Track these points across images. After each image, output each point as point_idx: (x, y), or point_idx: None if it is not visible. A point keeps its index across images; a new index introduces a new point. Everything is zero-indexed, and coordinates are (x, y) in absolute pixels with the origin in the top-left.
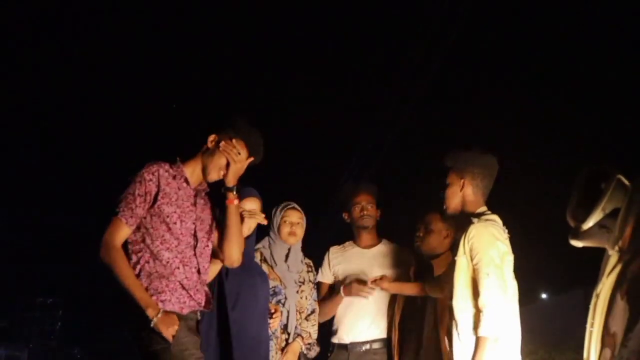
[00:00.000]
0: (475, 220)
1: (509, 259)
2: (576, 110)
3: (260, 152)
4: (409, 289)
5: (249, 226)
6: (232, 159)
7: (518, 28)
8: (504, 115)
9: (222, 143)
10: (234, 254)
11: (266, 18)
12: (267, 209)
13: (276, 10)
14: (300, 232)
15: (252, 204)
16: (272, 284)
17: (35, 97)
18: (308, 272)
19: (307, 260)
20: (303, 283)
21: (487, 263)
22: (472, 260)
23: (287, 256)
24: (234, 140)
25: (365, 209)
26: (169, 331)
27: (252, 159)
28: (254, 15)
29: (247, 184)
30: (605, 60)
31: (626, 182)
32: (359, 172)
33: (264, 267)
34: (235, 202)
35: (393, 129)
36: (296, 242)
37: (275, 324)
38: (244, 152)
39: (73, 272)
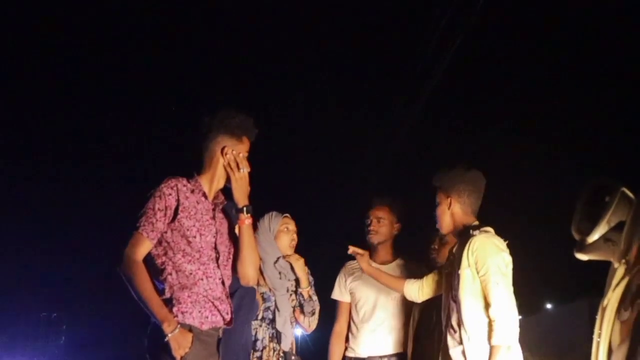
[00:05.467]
0: (475, 232)
1: (511, 268)
2: (583, 120)
3: (255, 132)
4: (386, 281)
5: None
6: (233, 175)
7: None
8: (513, 123)
9: (226, 163)
10: (249, 274)
11: (265, 22)
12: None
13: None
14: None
15: None
16: (260, 290)
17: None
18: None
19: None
20: (295, 292)
21: (495, 272)
22: (478, 271)
23: (276, 262)
24: (234, 151)
25: (371, 224)
26: (179, 351)
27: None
28: (257, 16)
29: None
30: (610, 71)
31: (630, 194)
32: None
33: None
34: (247, 222)
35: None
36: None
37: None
38: (246, 166)
39: (77, 287)
